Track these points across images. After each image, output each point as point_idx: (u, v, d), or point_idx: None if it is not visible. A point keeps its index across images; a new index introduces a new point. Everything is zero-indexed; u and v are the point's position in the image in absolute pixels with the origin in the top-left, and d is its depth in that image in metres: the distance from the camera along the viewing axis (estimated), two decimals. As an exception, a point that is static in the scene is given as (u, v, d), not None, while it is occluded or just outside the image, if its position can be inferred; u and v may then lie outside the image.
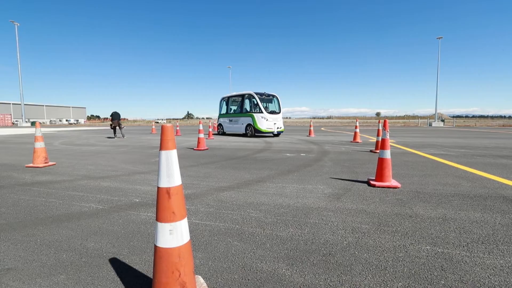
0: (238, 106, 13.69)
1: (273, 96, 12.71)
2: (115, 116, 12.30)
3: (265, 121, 11.72)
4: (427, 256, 1.64)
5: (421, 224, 2.14)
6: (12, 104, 67.19)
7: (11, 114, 51.48)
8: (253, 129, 12.28)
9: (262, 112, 11.79)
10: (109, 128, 12.49)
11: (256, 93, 12.13)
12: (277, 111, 12.69)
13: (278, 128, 12.17)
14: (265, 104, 12.44)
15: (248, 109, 12.69)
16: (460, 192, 3.05)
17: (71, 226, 2.15)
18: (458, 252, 1.69)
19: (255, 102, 12.10)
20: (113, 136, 12.79)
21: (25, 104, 39.59)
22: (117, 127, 12.30)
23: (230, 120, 14.01)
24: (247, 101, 12.94)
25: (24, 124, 37.94)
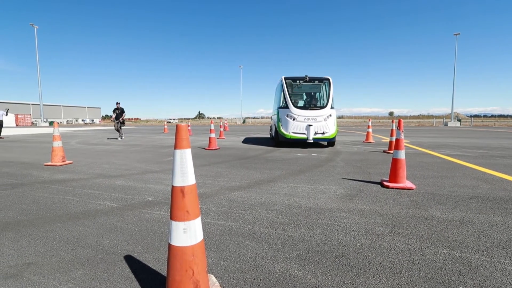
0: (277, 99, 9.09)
1: (320, 80, 8.06)
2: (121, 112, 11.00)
3: (292, 122, 7.31)
4: (444, 260, 1.59)
5: (437, 227, 2.08)
6: (32, 104, 69.82)
7: (30, 114, 53.51)
8: (276, 134, 8.19)
9: (287, 107, 7.52)
10: (114, 128, 11.22)
11: (288, 78, 7.95)
12: (320, 104, 8.31)
13: (317, 132, 7.23)
14: (302, 94, 8.93)
15: (277, 103, 8.61)
16: (478, 194, 2.94)
17: (88, 223, 2.21)
18: (477, 256, 1.63)
19: (282, 92, 7.95)
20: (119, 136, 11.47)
21: (43, 105, 41.05)
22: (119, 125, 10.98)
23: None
24: (277, 91, 8.97)
25: (43, 124, 39.37)
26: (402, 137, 3.38)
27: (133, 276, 1.46)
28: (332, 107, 7.56)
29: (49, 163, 5.07)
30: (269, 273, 1.48)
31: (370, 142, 9.35)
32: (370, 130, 9.78)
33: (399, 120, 3.45)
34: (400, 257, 1.63)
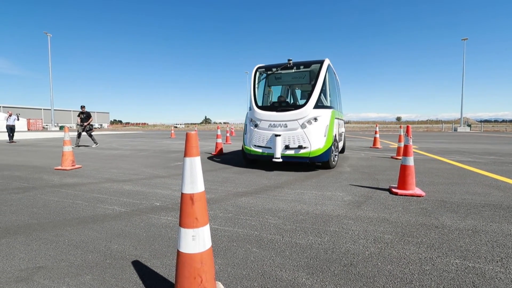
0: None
1: (307, 65, 5.26)
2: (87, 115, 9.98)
3: (254, 130, 5.00)
4: (457, 270, 1.55)
5: (448, 235, 2.03)
6: (43, 109, 71.55)
7: (42, 119, 54.77)
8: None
9: (251, 107, 5.22)
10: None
11: (261, 67, 5.56)
12: (298, 101, 6.39)
13: (290, 147, 4.67)
14: (284, 88, 6.32)
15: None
16: (491, 202, 2.87)
17: (96, 227, 2.23)
18: (491, 267, 1.58)
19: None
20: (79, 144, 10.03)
21: (54, 110, 41.99)
22: (84, 131, 9.89)
23: None
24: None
25: (53, 128, 40.23)
26: (411, 143, 3.33)
27: (141, 282, 1.47)
28: (322, 106, 4.76)
29: (59, 167, 5.16)
30: (276, 281, 1.47)
31: (377, 147, 9.25)
32: (377, 135, 9.68)
33: (408, 126, 3.41)
34: (411, 267, 1.60)
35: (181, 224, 1.09)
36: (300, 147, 4.60)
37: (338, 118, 5.70)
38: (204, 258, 1.08)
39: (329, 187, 3.62)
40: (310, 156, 4.55)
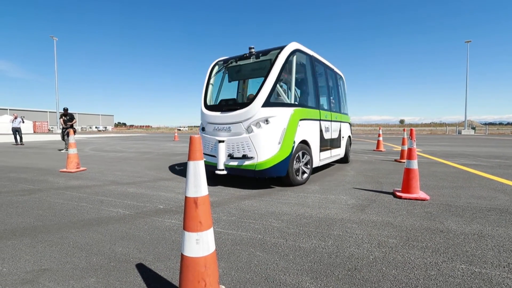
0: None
1: (265, 54, 4.06)
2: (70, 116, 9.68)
3: (202, 134, 4.28)
4: (463, 275, 1.54)
5: (454, 240, 2.01)
6: (49, 112, 72.33)
7: (47, 122, 55.38)
8: None
9: (201, 107, 4.38)
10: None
11: (221, 60, 4.71)
12: (247, 99, 4.65)
13: (234, 156, 3.68)
14: (242, 82, 5.14)
15: None
16: (497, 206, 2.84)
17: (101, 230, 2.25)
18: (497, 273, 1.56)
19: None
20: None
21: (59, 112, 42.46)
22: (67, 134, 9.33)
23: None
24: None
25: (59, 131, 40.67)
26: (415, 146, 3.31)
27: (145, 285, 1.47)
28: (278, 103, 3.72)
29: (64, 170, 5.21)
30: (280, 285, 1.46)
31: (381, 150, 9.20)
32: (380, 138, 9.63)
33: (411, 130, 3.40)
34: (416, 272, 1.58)
35: (185, 228, 1.09)
36: (245, 156, 3.56)
37: (323, 120, 4.68)
38: (208, 261, 1.09)
39: (332, 190, 3.61)
40: (256, 169, 3.47)
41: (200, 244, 1.07)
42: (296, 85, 4.34)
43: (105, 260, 1.74)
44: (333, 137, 5.20)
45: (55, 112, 41.28)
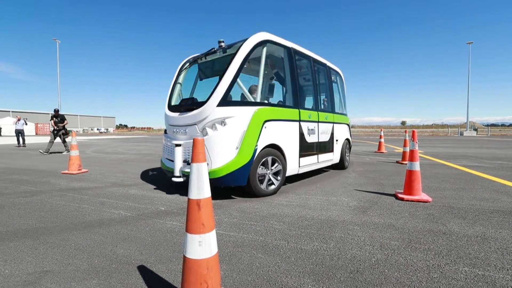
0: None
1: (229, 48, 3.63)
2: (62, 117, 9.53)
3: (163, 137, 4.09)
4: (466, 278, 1.53)
5: (456, 242, 2.00)
6: (51, 114, 72.91)
7: (49, 124, 55.70)
8: None
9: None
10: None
11: (190, 58, 4.39)
12: (204, 98, 3.31)
13: (189, 161, 3.28)
14: (211, 80, 4.12)
15: None
16: (500, 208, 2.82)
17: (102, 232, 2.25)
18: (501, 275, 1.55)
19: None
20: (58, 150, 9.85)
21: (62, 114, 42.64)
22: (58, 136, 9.42)
23: None
24: None
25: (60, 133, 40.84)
26: (417, 148, 3.31)
27: (146, 287, 1.47)
28: (238, 102, 3.29)
29: (66, 171, 5.22)
30: (282, 287, 1.46)
31: (382, 152, 9.18)
32: (382, 140, 9.61)
33: (413, 131, 3.39)
34: (418, 274, 1.57)
35: (187, 230, 1.09)
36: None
37: (306, 120, 4.09)
38: (210, 264, 1.09)
39: (334, 192, 3.60)
40: (210, 177, 2.91)
41: (203, 246, 1.07)
42: (266, 81, 4.07)
43: (107, 262, 1.74)
44: (321, 140, 4.58)
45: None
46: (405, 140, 6.78)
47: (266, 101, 3.80)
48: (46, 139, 23.04)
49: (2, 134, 37.26)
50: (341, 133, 5.48)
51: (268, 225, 2.37)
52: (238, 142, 3.13)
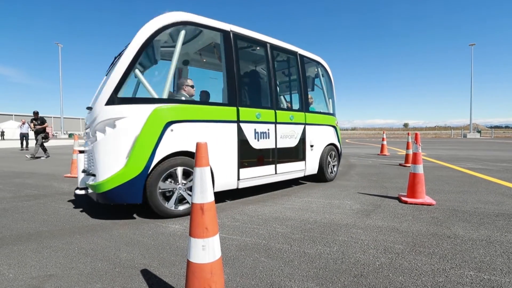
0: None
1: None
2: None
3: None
4: (471, 283, 1.51)
5: (461, 246, 1.98)
6: (53, 117, 73.24)
7: (51, 127, 56.00)
8: None
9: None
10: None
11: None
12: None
13: (89, 172, 2.82)
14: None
15: None
16: (505, 211, 2.80)
17: (105, 235, 2.25)
18: (508, 280, 1.53)
19: None
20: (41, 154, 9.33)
21: (64, 117, 42.96)
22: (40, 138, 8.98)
23: None
24: None
25: (63, 136, 41.09)
26: (420, 150, 3.29)
27: (150, 291, 1.47)
28: (133, 100, 2.69)
29: (69, 175, 5.25)
30: (286, 292, 1.45)
31: (385, 154, 9.15)
32: (385, 142, 9.58)
33: (416, 134, 3.38)
34: (423, 278, 1.56)
35: (191, 234, 1.09)
36: (89, 173, 2.79)
37: (251, 121, 3.31)
38: (214, 268, 1.08)
39: (336, 195, 3.58)
40: (97, 191, 2.51)
41: (206, 250, 1.07)
42: (178, 70, 3.63)
43: (110, 266, 1.74)
44: (281, 146, 3.69)
45: (59, 118, 41.77)
46: (408, 142, 6.75)
47: (184, 98, 3.08)
48: (48, 142, 23.17)
49: (5, 137, 37.55)
50: (320, 137, 4.41)
51: (271, 229, 2.36)
52: (128, 149, 2.51)
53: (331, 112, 4.86)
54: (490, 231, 2.26)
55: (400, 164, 6.61)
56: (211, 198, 1.12)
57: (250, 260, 1.80)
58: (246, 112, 3.29)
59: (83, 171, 2.91)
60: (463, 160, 7.41)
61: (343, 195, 3.59)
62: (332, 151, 4.68)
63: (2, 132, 38.86)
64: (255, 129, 3.36)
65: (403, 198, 3.22)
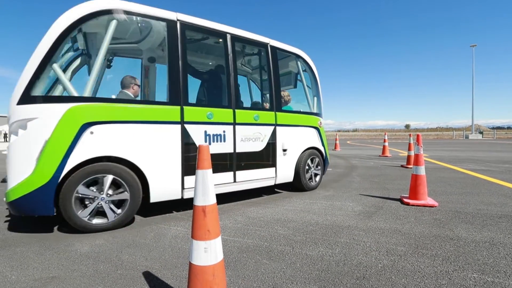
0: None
1: None
2: None
3: None
4: (475, 285, 1.50)
5: (464, 248, 1.97)
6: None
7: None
8: None
9: None
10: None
11: None
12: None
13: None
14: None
15: None
16: (508, 213, 2.78)
17: (107, 237, 2.26)
18: (511, 282, 1.52)
19: None
20: None
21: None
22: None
23: None
24: None
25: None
26: (422, 152, 3.29)
27: (152, 293, 1.47)
28: (46, 98, 2.38)
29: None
30: (288, 294, 1.44)
31: (386, 156, 9.13)
32: (386, 143, 9.56)
33: (418, 135, 3.38)
34: (426, 281, 1.55)
35: (193, 236, 1.10)
36: (3, 180, 2.52)
37: (199, 122, 2.92)
38: (216, 270, 1.08)
39: (338, 197, 3.58)
40: (6, 201, 2.25)
41: (208, 252, 1.07)
42: (145, 68, 3.41)
43: (112, 268, 1.74)
44: (241, 150, 3.25)
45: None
46: (409, 143, 6.74)
47: (115, 96, 2.81)
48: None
49: (7, 139, 37.72)
50: (296, 140, 3.84)
51: (273, 231, 2.36)
52: (37, 154, 2.24)
53: (314, 111, 4.23)
54: (493, 232, 2.25)
55: (402, 166, 6.59)
56: (213, 200, 1.12)
57: (252, 262, 1.80)
58: (194, 112, 2.90)
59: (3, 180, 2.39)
60: (465, 162, 7.38)
61: (345, 196, 3.58)
62: (315, 156, 4.06)
63: (5, 134, 39.10)
64: (205, 131, 2.96)
65: (405, 200, 3.21)
